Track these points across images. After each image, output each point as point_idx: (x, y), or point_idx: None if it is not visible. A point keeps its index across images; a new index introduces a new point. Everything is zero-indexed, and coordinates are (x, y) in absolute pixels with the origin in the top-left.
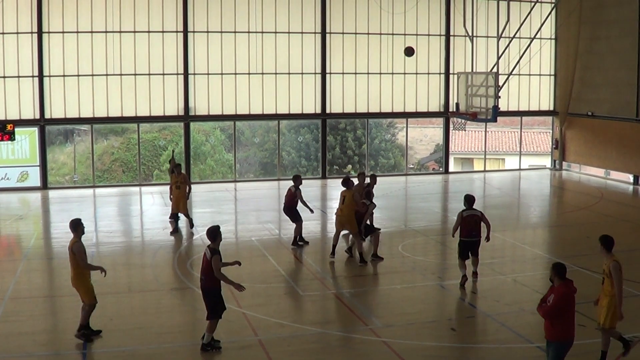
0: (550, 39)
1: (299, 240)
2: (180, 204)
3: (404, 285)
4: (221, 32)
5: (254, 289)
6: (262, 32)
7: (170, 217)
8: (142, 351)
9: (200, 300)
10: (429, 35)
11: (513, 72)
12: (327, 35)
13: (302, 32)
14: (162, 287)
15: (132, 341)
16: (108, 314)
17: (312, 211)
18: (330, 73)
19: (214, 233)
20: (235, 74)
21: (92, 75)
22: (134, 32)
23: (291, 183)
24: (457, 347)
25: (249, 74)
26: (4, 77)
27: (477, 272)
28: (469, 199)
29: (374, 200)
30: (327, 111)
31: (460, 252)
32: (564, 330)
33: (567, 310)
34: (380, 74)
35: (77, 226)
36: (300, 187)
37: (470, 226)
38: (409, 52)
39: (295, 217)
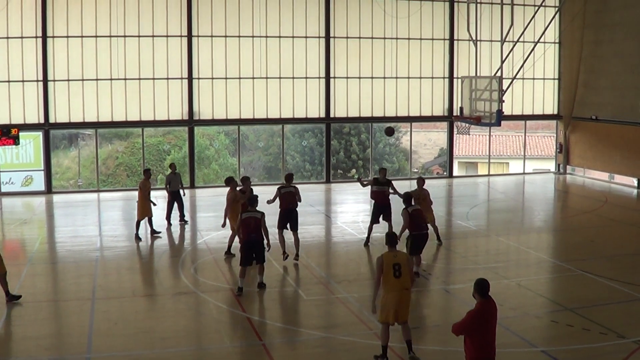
0: (554, 42)
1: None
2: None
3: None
4: (225, 36)
5: (258, 293)
6: (267, 37)
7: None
8: (147, 355)
9: (205, 305)
10: (432, 39)
11: (517, 76)
12: (331, 40)
13: (306, 37)
14: (166, 292)
15: (137, 345)
16: (113, 318)
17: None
18: (334, 77)
19: (254, 199)
20: (240, 78)
21: (97, 79)
22: (139, 36)
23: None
24: (462, 351)
25: (253, 78)
26: (9, 81)
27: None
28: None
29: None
30: (332, 115)
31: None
32: (477, 349)
33: (480, 329)
34: (384, 78)
35: None
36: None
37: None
38: (389, 132)
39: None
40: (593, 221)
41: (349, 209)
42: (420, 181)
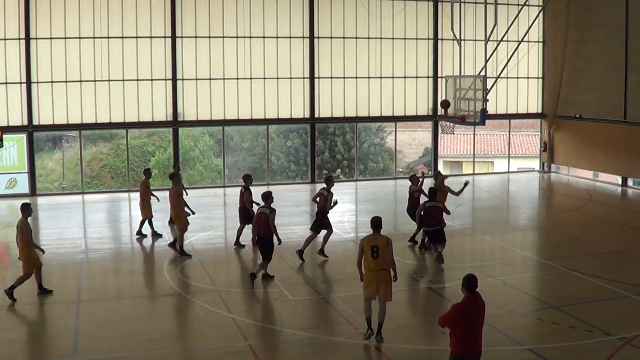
0: (538, 41)
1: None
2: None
3: (394, 289)
4: (209, 37)
5: (244, 294)
6: (251, 37)
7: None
8: (133, 358)
9: (191, 307)
10: (417, 39)
11: (501, 75)
12: (316, 40)
13: (290, 37)
14: (152, 294)
15: (123, 348)
16: (98, 320)
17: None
18: (318, 77)
19: (268, 195)
20: (224, 79)
21: (80, 81)
22: (122, 37)
23: (283, 187)
24: (448, 350)
25: (237, 79)
26: None
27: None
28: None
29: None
30: (316, 115)
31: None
32: (460, 343)
33: (464, 324)
34: (369, 78)
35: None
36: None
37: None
38: (445, 105)
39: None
40: (577, 219)
41: (335, 209)
42: (440, 176)
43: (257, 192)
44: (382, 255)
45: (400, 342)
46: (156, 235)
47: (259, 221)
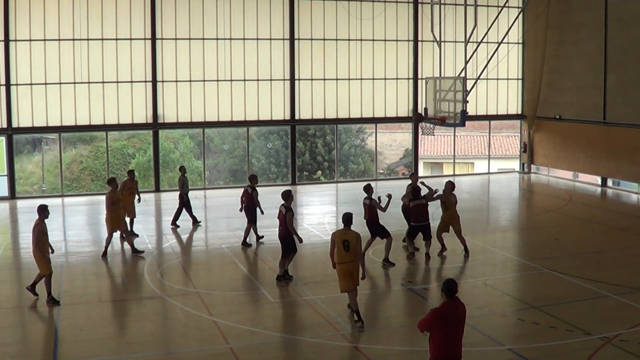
0: (518, 43)
1: (249, 241)
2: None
3: (374, 290)
4: (189, 39)
5: (225, 297)
6: (231, 39)
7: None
8: None
9: (172, 309)
10: (397, 40)
11: (481, 77)
12: (296, 42)
13: (270, 39)
14: (132, 297)
15: (104, 351)
16: (79, 324)
17: (262, 212)
18: (299, 79)
19: (288, 194)
20: (204, 81)
21: (60, 83)
22: (102, 39)
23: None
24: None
25: (217, 80)
26: None
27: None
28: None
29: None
30: (297, 117)
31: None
32: (437, 347)
33: (441, 329)
34: (349, 79)
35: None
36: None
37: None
38: (418, 117)
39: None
40: (557, 220)
41: (315, 211)
42: (450, 185)
43: (238, 194)
44: (353, 249)
45: (380, 343)
46: (133, 235)
47: (279, 219)
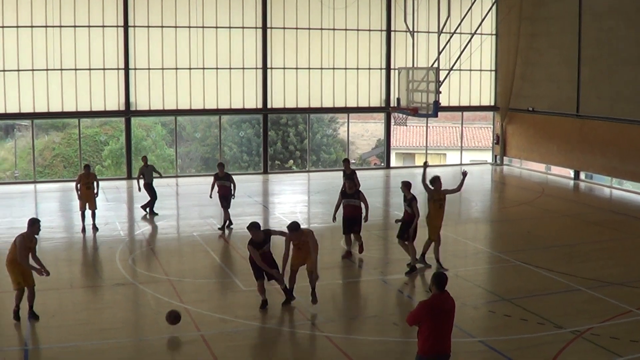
0: (491, 34)
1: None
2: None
3: (346, 280)
4: (162, 26)
5: (196, 285)
6: (203, 27)
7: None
8: (86, 347)
9: (143, 296)
10: (369, 30)
11: (454, 68)
12: (268, 30)
13: (243, 27)
14: (104, 283)
15: (75, 337)
16: (50, 310)
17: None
18: (271, 68)
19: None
20: (177, 69)
21: (32, 70)
22: (74, 26)
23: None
24: (400, 341)
25: (190, 69)
26: None
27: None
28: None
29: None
30: (269, 106)
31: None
32: (425, 340)
33: (431, 323)
34: (322, 69)
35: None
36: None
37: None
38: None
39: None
40: (530, 212)
41: (287, 200)
42: (438, 181)
43: (209, 182)
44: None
45: (352, 332)
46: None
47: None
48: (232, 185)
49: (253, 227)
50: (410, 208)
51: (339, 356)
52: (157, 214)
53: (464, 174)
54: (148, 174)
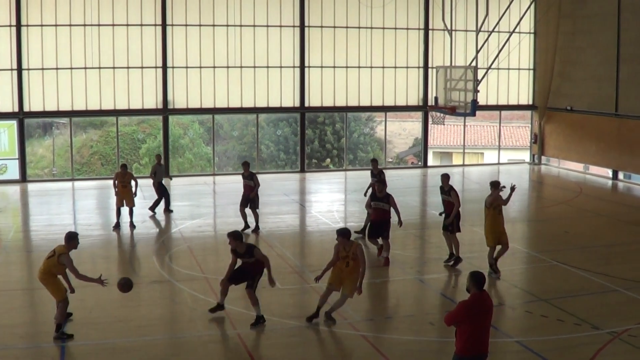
0: (529, 33)
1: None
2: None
3: (382, 279)
4: (200, 25)
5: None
6: (241, 26)
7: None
8: (122, 344)
9: (180, 293)
10: (407, 29)
11: (492, 66)
12: (306, 29)
13: (280, 26)
14: (141, 280)
15: (112, 334)
16: (87, 306)
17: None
18: (309, 66)
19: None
20: (214, 67)
21: (71, 68)
22: (113, 25)
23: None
24: (436, 340)
25: (227, 67)
26: None
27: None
28: None
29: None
30: (306, 105)
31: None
32: (465, 342)
33: (470, 323)
34: (359, 67)
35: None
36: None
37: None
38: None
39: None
40: (567, 212)
41: (324, 198)
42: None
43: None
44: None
45: (387, 332)
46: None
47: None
48: (255, 185)
49: (235, 237)
50: (449, 198)
51: (374, 355)
52: (172, 211)
53: (513, 188)
54: (160, 173)
